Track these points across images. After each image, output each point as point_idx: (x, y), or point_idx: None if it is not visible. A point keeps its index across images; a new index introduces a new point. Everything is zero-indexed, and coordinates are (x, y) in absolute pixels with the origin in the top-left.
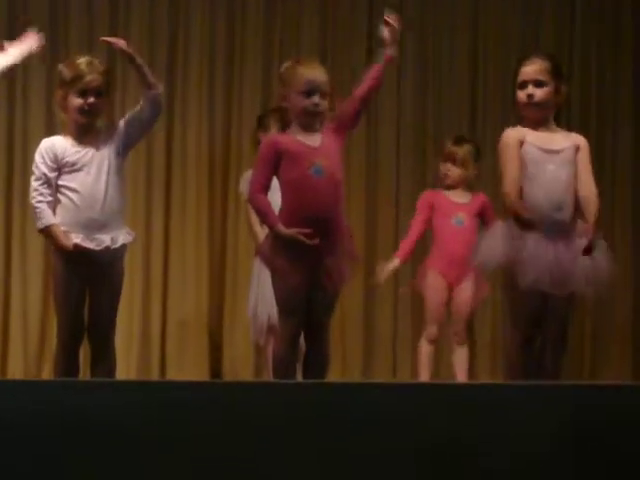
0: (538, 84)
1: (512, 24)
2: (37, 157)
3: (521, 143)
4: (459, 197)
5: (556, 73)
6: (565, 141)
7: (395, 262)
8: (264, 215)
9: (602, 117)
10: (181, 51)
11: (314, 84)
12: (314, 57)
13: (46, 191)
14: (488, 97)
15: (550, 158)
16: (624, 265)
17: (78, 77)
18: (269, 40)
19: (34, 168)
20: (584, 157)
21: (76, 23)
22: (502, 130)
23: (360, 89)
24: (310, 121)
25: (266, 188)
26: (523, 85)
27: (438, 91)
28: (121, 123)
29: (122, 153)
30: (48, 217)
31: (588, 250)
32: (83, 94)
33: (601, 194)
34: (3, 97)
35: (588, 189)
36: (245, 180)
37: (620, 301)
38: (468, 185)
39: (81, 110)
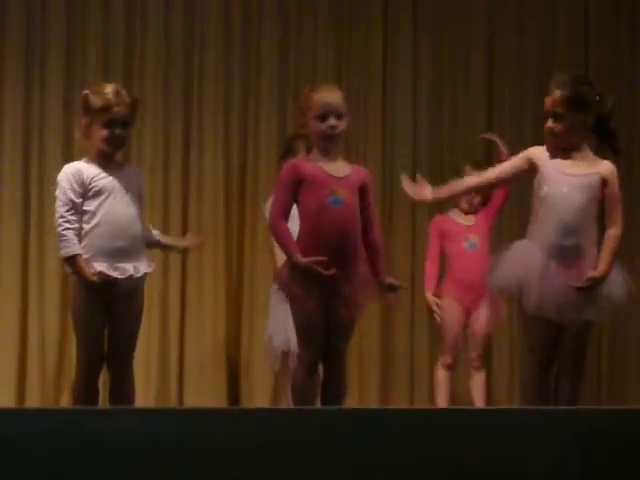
0: (556, 117)
1: (528, 43)
2: (63, 183)
3: (538, 160)
4: (466, 220)
5: (574, 104)
6: (588, 167)
7: (429, 296)
8: (283, 243)
9: (618, 132)
10: (196, 77)
11: (329, 107)
12: (329, 82)
13: (73, 218)
14: (504, 116)
15: (566, 180)
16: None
17: (106, 107)
18: (285, 65)
19: (59, 194)
20: (611, 191)
21: (92, 48)
22: (518, 143)
23: (367, 233)
24: (329, 145)
25: (286, 214)
26: (545, 115)
27: (454, 109)
28: (141, 177)
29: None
30: (74, 246)
31: (585, 289)
32: (110, 125)
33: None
34: (20, 121)
35: (611, 230)
36: (269, 205)
37: (636, 317)
38: (476, 209)
39: (107, 140)
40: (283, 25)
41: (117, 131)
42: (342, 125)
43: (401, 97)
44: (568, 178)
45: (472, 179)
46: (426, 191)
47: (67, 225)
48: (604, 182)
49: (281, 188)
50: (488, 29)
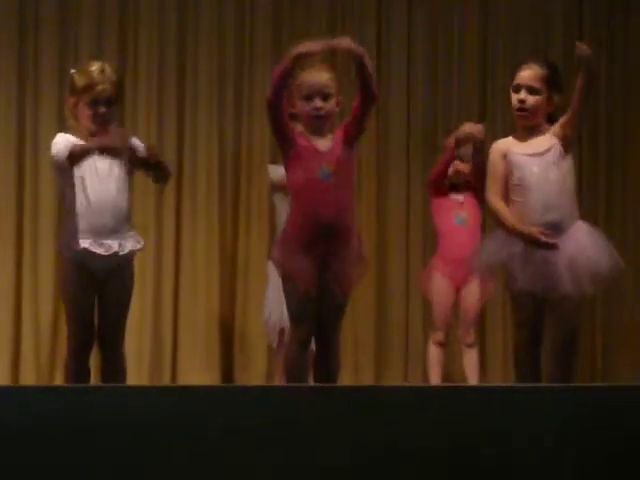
0: (531, 90)
1: (522, 26)
2: (59, 145)
3: (505, 154)
4: (458, 196)
5: (551, 82)
6: (548, 141)
7: None
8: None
9: (612, 123)
10: (190, 63)
11: (314, 87)
12: (319, 61)
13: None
14: (497, 101)
15: (534, 161)
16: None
17: (90, 86)
18: (278, 46)
19: (55, 153)
20: (567, 121)
21: (85, 31)
22: (512, 123)
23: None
24: (315, 125)
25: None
26: (517, 89)
27: (448, 95)
28: (134, 142)
29: (128, 165)
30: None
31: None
32: (94, 103)
33: (612, 205)
34: (14, 104)
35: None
36: (273, 169)
37: (631, 297)
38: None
39: (92, 119)
40: (276, 11)
41: (101, 109)
42: (328, 106)
43: (395, 83)
44: (535, 158)
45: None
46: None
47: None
48: (565, 129)
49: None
50: (481, 14)
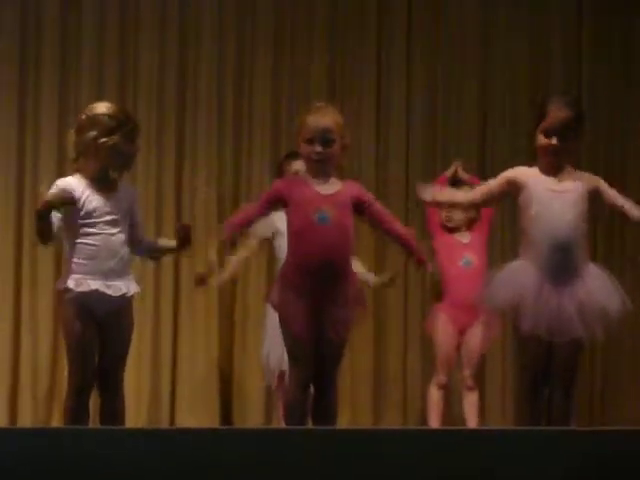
0: (563, 135)
1: (521, 57)
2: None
3: (524, 181)
4: (463, 237)
5: (581, 124)
6: (574, 183)
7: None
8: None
9: (611, 157)
10: (190, 91)
11: (315, 131)
12: (325, 103)
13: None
14: (497, 128)
15: (556, 197)
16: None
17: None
18: (278, 79)
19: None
20: (607, 189)
21: (86, 55)
22: (511, 155)
23: (391, 227)
24: (315, 168)
25: (243, 221)
26: (548, 133)
27: (447, 125)
28: (135, 194)
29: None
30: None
31: None
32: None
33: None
34: (14, 138)
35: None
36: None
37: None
38: (470, 225)
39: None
40: (277, 42)
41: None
42: (330, 151)
43: (395, 113)
44: (557, 195)
45: (460, 195)
46: (429, 191)
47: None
48: (596, 191)
49: (261, 199)
50: (481, 40)
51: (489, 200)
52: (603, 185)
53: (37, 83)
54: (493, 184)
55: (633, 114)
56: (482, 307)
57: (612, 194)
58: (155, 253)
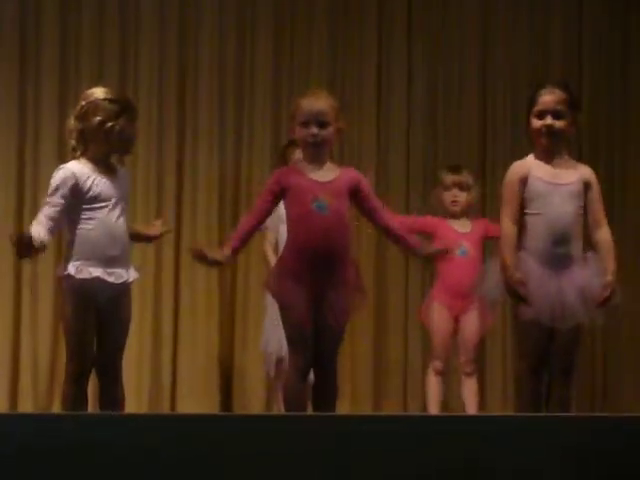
0: (557, 115)
1: (521, 52)
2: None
3: (525, 178)
4: (462, 226)
5: (574, 104)
6: (573, 174)
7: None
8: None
9: (611, 148)
10: (190, 86)
11: (310, 114)
12: (320, 88)
13: (54, 214)
14: (498, 125)
15: (556, 190)
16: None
17: None
18: (278, 72)
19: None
20: (596, 195)
21: (86, 55)
22: (512, 155)
23: (389, 224)
24: (312, 152)
25: (257, 216)
26: (541, 115)
27: (448, 119)
28: (129, 178)
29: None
30: (39, 230)
31: (606, 300)
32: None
33: (610, 223)
34: (14, 138)
35: (604, 233)
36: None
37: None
38: (470, 211)
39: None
40: (277, 35)
41: None
42: (325, 133)
43: (395, 107)
44: (557, 188)
45: (510, 249)
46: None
47: (47, 212)
48: (587, 186)
49: (261, 193)
50: (482, 40)
51: (520, 211)
52: (594, 188)
53: (37, 83)
54: (512, 198)
55: (633, 114)
56: (480, 295)
57: (594, 202)
58: (134, 240)
